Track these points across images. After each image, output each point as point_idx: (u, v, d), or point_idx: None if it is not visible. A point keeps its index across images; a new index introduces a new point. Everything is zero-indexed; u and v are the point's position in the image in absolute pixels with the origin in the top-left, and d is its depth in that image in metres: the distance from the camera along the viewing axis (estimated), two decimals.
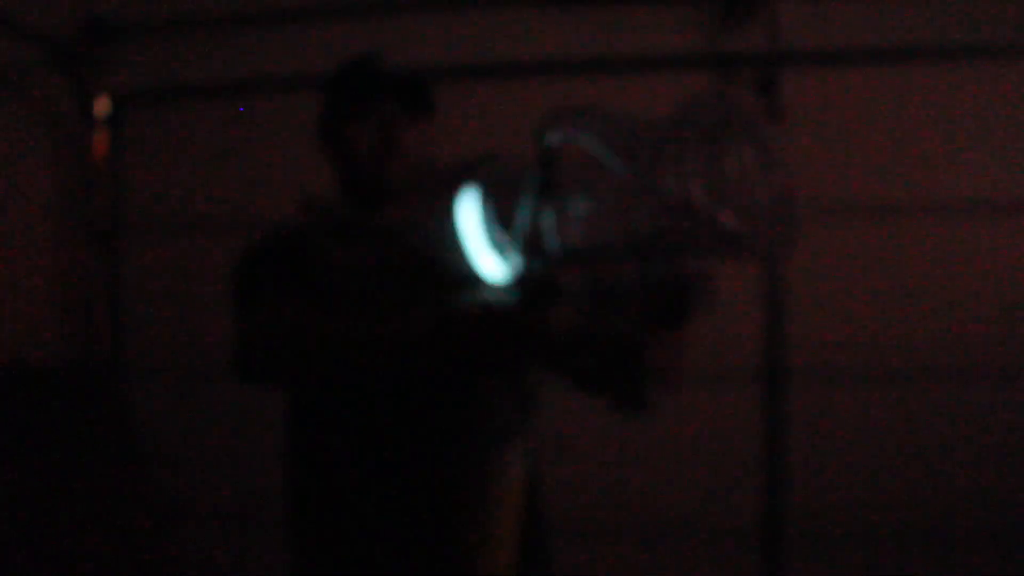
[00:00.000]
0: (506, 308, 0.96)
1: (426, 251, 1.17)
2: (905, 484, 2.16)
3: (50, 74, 2.34)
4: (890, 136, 2.17)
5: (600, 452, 2.20)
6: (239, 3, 2.37)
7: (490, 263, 1.02)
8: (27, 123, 2.31)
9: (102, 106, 2.39)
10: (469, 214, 1.02)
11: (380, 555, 1.15)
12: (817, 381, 2.17)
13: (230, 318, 1.18)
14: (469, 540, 1.12)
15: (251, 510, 2.26)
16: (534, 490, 1.22)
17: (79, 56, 2.36)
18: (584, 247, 0.93)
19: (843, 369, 2.17)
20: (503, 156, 1.05)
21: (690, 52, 2.21)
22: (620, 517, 2.24)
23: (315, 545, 1.20)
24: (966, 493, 2.14)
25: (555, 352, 1.23)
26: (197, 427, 2.36)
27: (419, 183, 1.25)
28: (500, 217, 0.99)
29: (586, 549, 2.14)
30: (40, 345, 2.30)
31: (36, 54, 2.30)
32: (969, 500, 2.13)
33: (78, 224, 2.40)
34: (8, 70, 2.24)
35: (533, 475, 1.22)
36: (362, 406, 1.16)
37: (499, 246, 1.00)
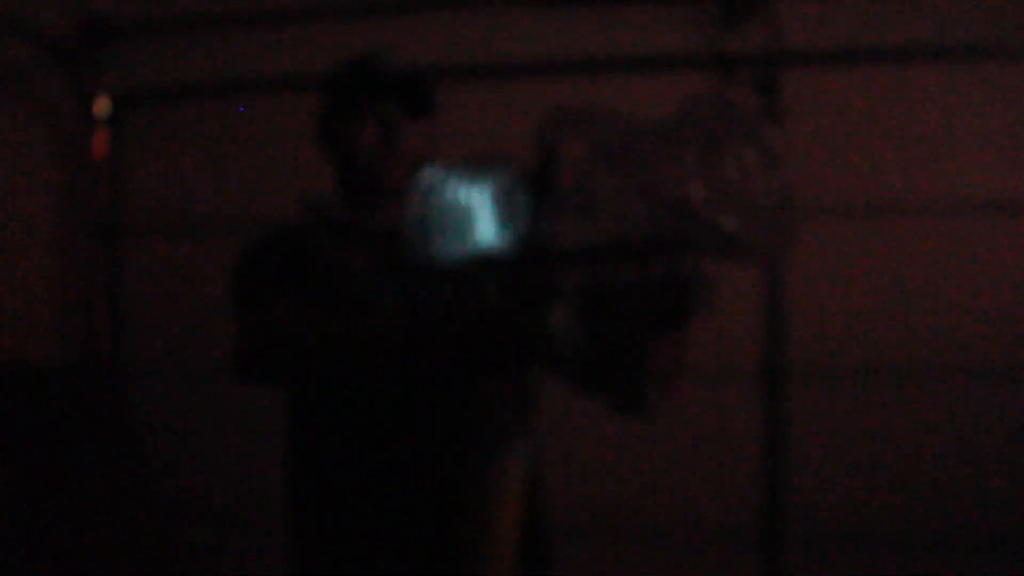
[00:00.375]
0: (504, 309, 0.96)
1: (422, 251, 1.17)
2: (905, 484, 2.16)
3: (50, 74, 2.34)
4: (890, 136, 2.17)
5: (600, 452, 2.20)
6: (239, 3, 2.37)
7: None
8: (27, 123, 2.31)
9: (102, 106, 2.39)
10: (469, 214, 1.02)
11: (380, 555, 1.15)
12: (817, 381, 2.17)
13: (230, 318, 1.18)
14: (469, 540, 1.12)
15: (251, 510, 2.26)
16: (534, 490, 1.22)
17: (79, 56, 2.36)
18: (583, 247, 0.92)
19: (843, 369, 2.17)
20: (504, 156, 1.04)
21: (690, 52, 2.20)
22: (620, 517, 2.24)
23: (315, 545, 1.20)
24: (966, 493, 2.14)
25: (554, 352, 1.23)
26: (197, 427, 2.36)
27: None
28: (499, 218, 0.99)
29: (586, 549, 2.14)
30: (40, 345, 2.30)
31: (36, 54, 2.30)
32: (969, 500, 2.13)
33: (78, 224, 2.40)
34: (8, 70, 2.24)
35: (533, 475, 1.22)
36: (362, 406, 1.16)
37: (498, 246, 1.00)
